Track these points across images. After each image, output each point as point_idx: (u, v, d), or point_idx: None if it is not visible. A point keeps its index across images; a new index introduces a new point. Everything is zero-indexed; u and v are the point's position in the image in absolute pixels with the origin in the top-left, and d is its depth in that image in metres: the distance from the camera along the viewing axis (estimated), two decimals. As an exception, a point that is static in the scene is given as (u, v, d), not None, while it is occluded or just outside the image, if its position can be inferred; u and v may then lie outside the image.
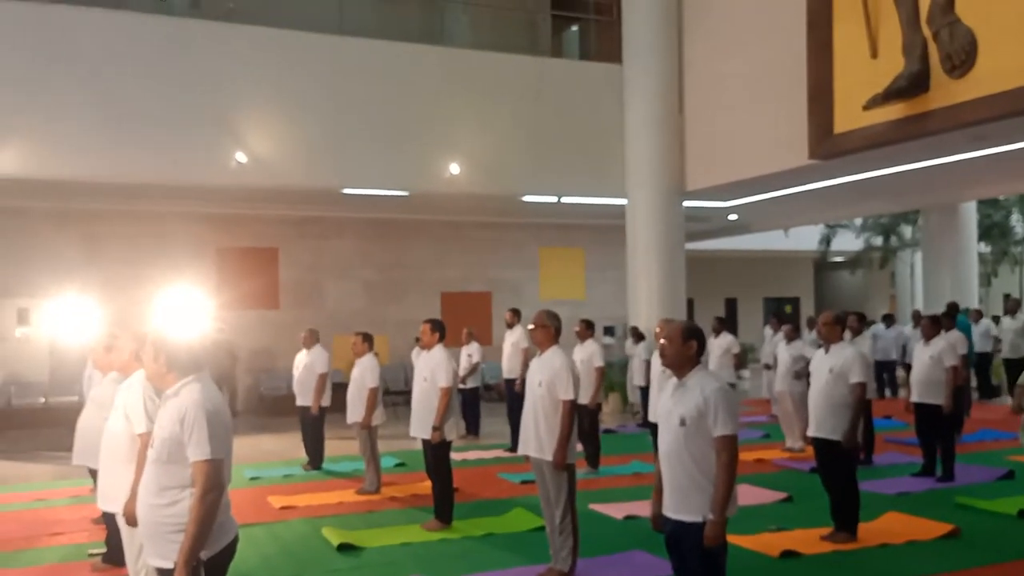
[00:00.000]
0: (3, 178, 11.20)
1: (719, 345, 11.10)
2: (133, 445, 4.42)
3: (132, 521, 4.27)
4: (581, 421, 8.09)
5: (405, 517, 7.40)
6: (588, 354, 8.93)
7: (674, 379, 3.97)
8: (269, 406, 14.72)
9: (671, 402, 3.91)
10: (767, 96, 12.11)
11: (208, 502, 3.11)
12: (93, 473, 6.18)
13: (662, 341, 4.00)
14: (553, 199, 14.60)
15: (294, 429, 10.53)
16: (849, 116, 10.33)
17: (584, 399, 8.58)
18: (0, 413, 13.00)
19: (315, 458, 9.69)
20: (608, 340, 16.68)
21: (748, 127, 12.53)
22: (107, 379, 5.74)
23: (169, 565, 3.16)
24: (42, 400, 13.62)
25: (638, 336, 12.22)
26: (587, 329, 9.28)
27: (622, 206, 14.35)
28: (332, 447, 10.14)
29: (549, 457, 5.42)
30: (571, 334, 8.87)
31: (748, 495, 7.72)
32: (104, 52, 11.55)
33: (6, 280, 13.87)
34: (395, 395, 13.73)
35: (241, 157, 12.10)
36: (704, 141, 13.67)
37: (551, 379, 5.45)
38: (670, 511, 3.87)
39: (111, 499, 4.56)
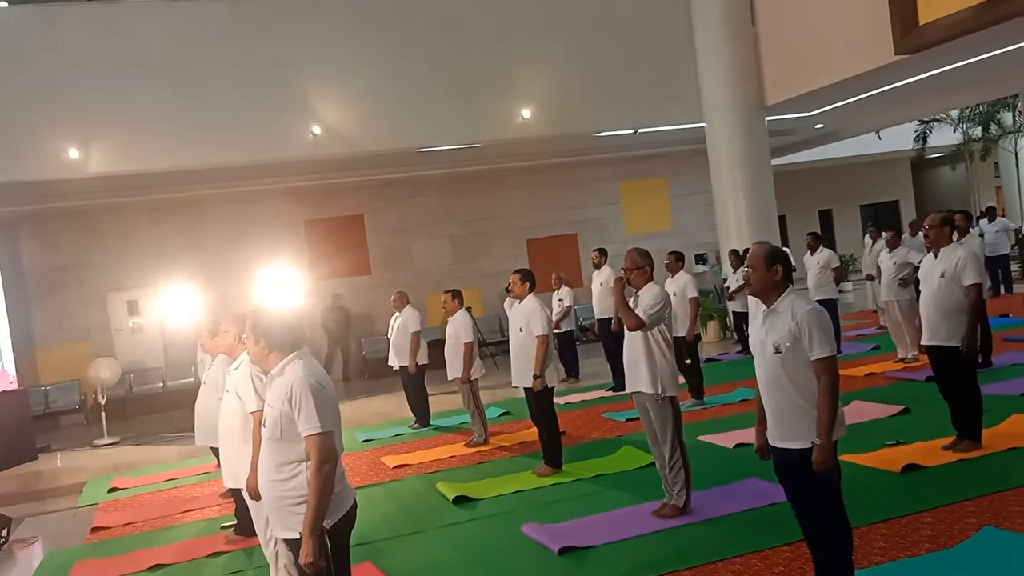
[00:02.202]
0: (97, 176, 11.67)
1: (816, 261, 10.72)
2: (247, 423, 4.59)
3: (255, 496, 4.46)
4: (679, 353, 8.02)
5: (516, 465, 7.50)
6: (680, 286, 8.78)
7: (764, 306, 3.83)
8: (373, 369, 15.12)
9: (763, 331, 3.77)
10: (844, -7, 11.44)
11: (324, 473, 3.19)
12: (215, 451, 6.49)
13: (747, 269, 3.85)
14: (629, 131, 14.28)
15: (398, 389, 10.78)
16: (933, 5, 9.67)
17: (681, 331, 8.50)
18: (123, 401, 13.73)
19: (422, 416, 9.89)
20: (700, 268, 16.39)
21: (826, 30, 11.89)
22: (216, 362, 6.00)
23: (295, 536, 3.27)
24: (160, 385, 14.34)
25: (739, 259, 11.92)
26: (677, 261, 9.11)
27: (702, 129, 13.93)
28: (437, 403, 10.33)
29: (650, 391, 5.37)
30: (662, 267, 8.73)
31: (862, 411, 7.53)
32: (173, 42, 11.82)
33: (115, 274, 14.58)
34: (492, 346, 13.87)
35: (316, 129, 12.24)
36: (781, 51, 13.06)
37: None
38: (775, 440, 3.78)
39: (234, 476, 4.77)
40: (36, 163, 11.25)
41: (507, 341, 12.12)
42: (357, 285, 15.64)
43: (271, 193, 14.87)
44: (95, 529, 7.11)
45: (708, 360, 11.52)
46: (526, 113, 13.09)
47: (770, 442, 3.83)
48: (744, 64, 13.37)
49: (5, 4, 12.62)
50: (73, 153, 11.31)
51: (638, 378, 5.46)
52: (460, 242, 16.29)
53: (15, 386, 11.45)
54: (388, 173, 15.20)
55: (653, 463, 5.85)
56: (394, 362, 9.98)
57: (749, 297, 8.00)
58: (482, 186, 16.31)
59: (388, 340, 10.14)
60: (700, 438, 7.34)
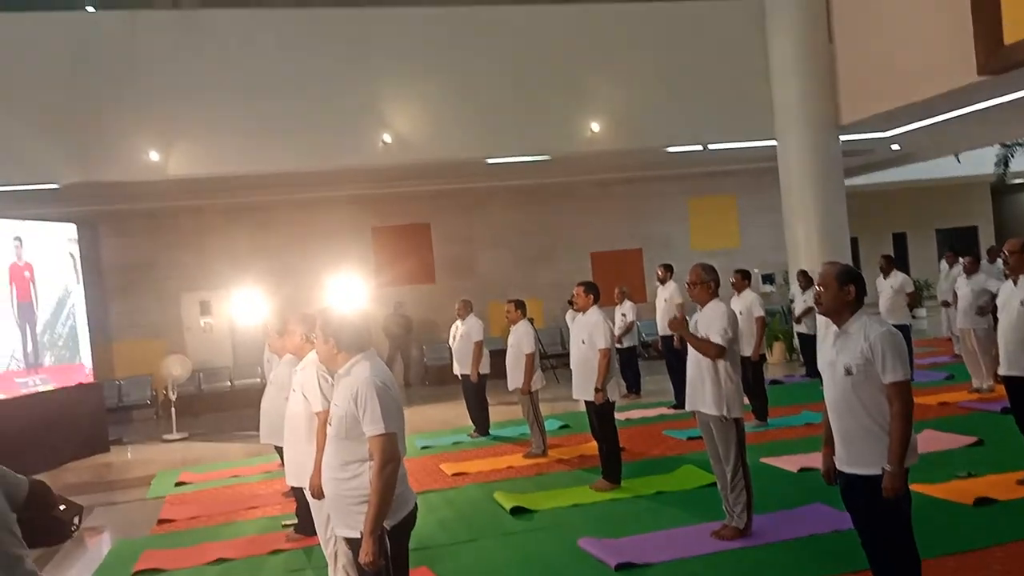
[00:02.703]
0: (177, 179, 12.05)
1: (890, 285, 10.43)
2: (312, 423, 4.68)
3: (317, 494, 4.54)
4: (745, 373, 7.89)
5: (574, 478, 7.47)
6: (746, 304, 8.65)
7: (834, 327, 3.75)
8: (433, 376, 15.23)
9: (833, 351, 3.69)
10: (926, 10, 11.15)
11: (386, 474, 3.24)
12: (279, 450, 6.62)
13: (818, 287, 3.77)
14: (699, 147, 14.15)
15: (458, 397, 10.84)
16: (1020, 24, 9.37)
17: (746, 351, 8.36)
18: (192, 398, 14.10)
19: (481, 425, 9.92)
20: (767, 288, 16.12)
21: (907, 48, 11.61)
22: (283, 362, 6.12)
23: (356, 535, 3.32)
24: (228, 384, 14.69)
25: (808, 280, 11.66)
26: (743, 279, 8.99)
27: (773, 147, 13.72)
28: (496, 413, 10.34)
29: (715, 412, 5.31)
30: (728, 285, 8.61)
31: (934, 441, 7.31)
32: (252, 49, 12.13)
33: (190, 274, 15.01)
34: (552, 358, 13.83)
35: (387, 137, 12.43)
36: (858, 69, 12.79)
37: (709, 332, 5.32)
38: (843, 464, 3.68)
39: (297, 474, 4.86)
40: (119, 164, 11.67)
41: (568, 354, 12.08)
42: (421, 293, 15.79)
43: (340, 200, 15.15)
44: (162, 521, 7.31)
45: (773, 382, 11.31)
46: (595, 127, 13.08)
47: (837, 466, 3.74)
48: (819, 82, 13.15)
49: (92, 9, 13.14)
50: (154, 156, 11.69)
51: (702, 397, 5.40)
52: (524, 253, 16.33)
53: (91, 379, 11.85)
54: (456, 183, 15.34)
55: (714, 483, 5.76)
56: (458, 370, 10.04)
57: (818, 318, 7.86)
58: (548, 198, 16.34)
59: (449, 348, 10.22)
60: (763, 460, 7.21)
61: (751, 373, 8.59)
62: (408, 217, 15.94)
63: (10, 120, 11.03)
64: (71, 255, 11.77)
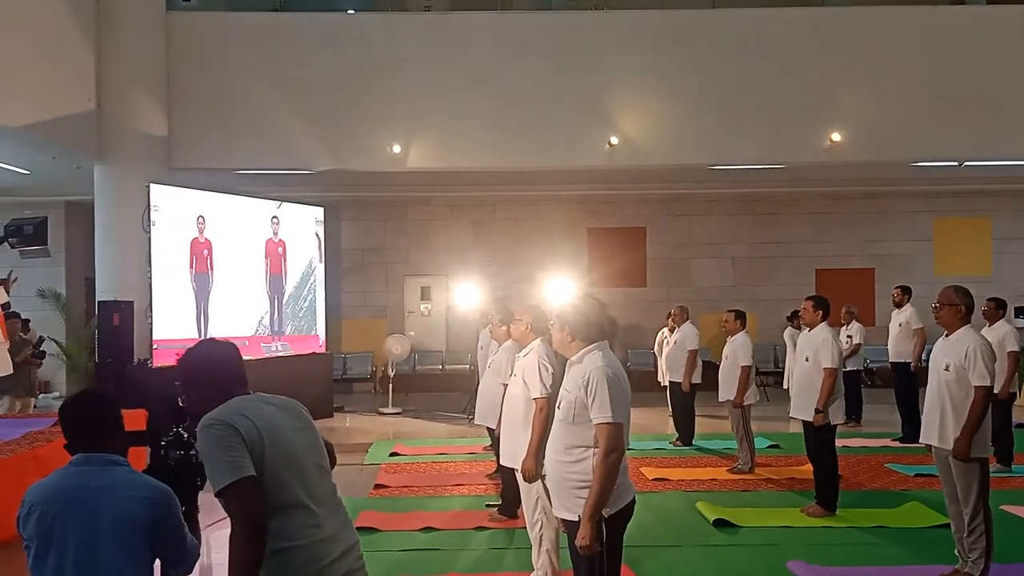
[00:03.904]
0: (414, 171, 12.75)
1: None
2: (530, 408, 4.79)
3: (529, 478, 4.65)
4: (991, 412, 7.18)
5: (782, 500, 7.16)
6: (999, 337, 7.84)
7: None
8: (636, 380, 14.99)
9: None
10: None
11: (610, 462, 3.26)
12: (490, 432, 6.85)
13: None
14: (953, 163, 13.00)
15: (660, 404, 10.68)
16: None
17: (995, 387, 7.60)
18: (407, 377, 14.85)
19: (686, 434, 9.74)
20: (1020, 322, 14.55)
21: None
22: (503, 348, 6.33)
23: (574, 518, 3.36)
24: (439, 367, 15.38)
25: None
26: (997, 309, 8.18)
27: (1039, 167, 12.37)
28: (702, 424, 10.11)
29: (956, 448, 4.88)
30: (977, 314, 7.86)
31: None
32: (494, 51, 12.55)
33: (415, 260, 15.86)
34: (764, 375, 13.28)
35: (613, 139, 12.46)
36: None
37: (960, 363, 4.89)
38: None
39: (512, 455, 4.99)
40: (365, 155, 12.52)
41: (780, 372, 11.49)
42: (630, 296, 15.68)
43: (559, 199, 15.36)
44: (378, 486, 7.80)
45: (1019, 425, 10.21)
46: (836, 136, 12.35)
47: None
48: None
49: (352, 12, 14.20)
50: (396, 149, 12.42)
51: (943, 432, 4.96)
52: (743, 264, 15.79)
53: (323, 350, 12.85)
54: (676, 188, 15.07)
55: (945, 524, 5.31)
56: (663, 378, 9.90)
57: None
58: (773, 208, 15.68)
59: (654, 354, 10.09)
60: (1004, 508, 6.53)
61: (998, 411, 7.78)
62: (624, 220, 15.89)
63: (277, 110, 12.14)
64: (317, 235, 12.81)
